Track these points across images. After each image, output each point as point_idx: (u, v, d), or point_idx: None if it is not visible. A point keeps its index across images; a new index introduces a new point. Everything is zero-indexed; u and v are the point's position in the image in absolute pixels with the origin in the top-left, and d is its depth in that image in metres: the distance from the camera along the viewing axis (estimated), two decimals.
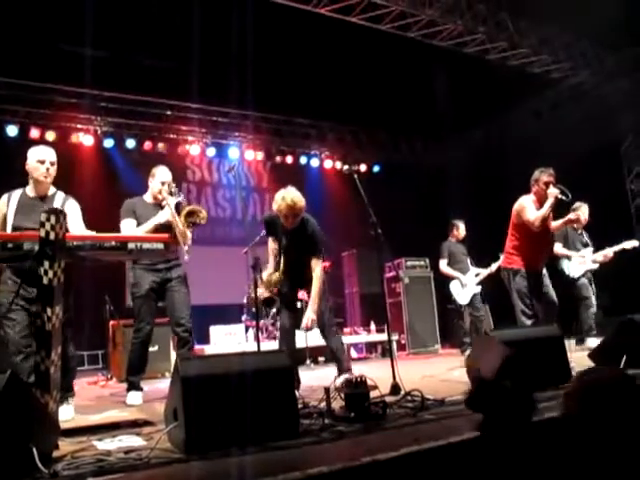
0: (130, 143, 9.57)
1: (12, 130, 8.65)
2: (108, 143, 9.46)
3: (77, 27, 8.06)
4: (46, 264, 2.83)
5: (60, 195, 3.89)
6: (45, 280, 2.83)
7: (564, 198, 4.81)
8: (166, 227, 4.38)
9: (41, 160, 3.76)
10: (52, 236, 2.83)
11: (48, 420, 2.57)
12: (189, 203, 4.74)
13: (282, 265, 4.52)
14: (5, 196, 3.77)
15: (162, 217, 4.45)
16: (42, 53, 8.24)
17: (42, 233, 2.83)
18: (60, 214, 2.88)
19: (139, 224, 4.46)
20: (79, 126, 9.24)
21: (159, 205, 4.58)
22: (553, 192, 4.81)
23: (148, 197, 4.74)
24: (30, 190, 3.81)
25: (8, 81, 8.42)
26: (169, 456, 2.33)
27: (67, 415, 3.65)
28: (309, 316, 4.30)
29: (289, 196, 4.31)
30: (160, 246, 3.17)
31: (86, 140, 9.26)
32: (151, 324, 4.57)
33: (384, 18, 7.68)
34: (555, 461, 2.50)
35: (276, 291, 4.70)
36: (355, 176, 4.30)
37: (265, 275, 4.59)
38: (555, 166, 5.09)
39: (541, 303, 4.91)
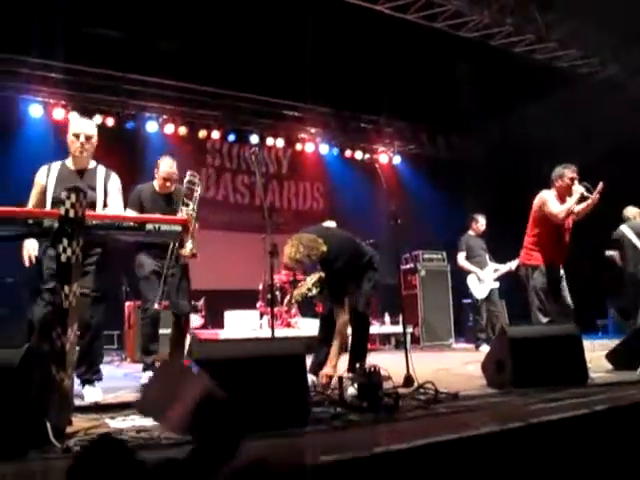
0: (152, 126, 9.59)
1: (36, 110, 8.70)
2: (129, 125, 9.49)
3: (95, 10, 8.13)
4: (65, 242, 2.84)
5: (102, 170, 3.82)
6: (63, 258, 2.84)
7: (589, 195, 4.73)
8: (166, 212, 4.42)
9: (76, 134, 3.69)
10: (72, 214, 2.84)
11: (62, 396, 2.59)
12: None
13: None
14: (44, 168, 3.70)
15: None
16: (66, 35, 8.29)
17: (62, 211, 2.84)
18: (80, 192, 2.89)
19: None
20: (101, 107, 9.28)
21: (166, 195, 4.67)
22: (579, 189, 4.72)
23: (157, 185, 4.80)
24: (70, 163, 3.75)
25: (33, 61, 8.48)
26: (180, 437, 2.33)
27: (95, 396, 3.60)
28: (326, 372, 3.87)
29: (286, 254, 3.97)
30: (178, 228, 3.16)
31: (108, 122, 9.30)
32: (156, 304, 4.56)
33: (410, 7, 7.60)
34: (564, 461, 2.47)
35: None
36: (377, 165, 4.26)
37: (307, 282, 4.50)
38: (578, 164, 5.00)
39: (557, 303, 4.84)
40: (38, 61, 8.46)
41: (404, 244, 9.15)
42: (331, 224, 5.03)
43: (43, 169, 3.70)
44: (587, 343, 3.94)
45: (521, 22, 7.98)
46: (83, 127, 3.76)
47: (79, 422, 2.69)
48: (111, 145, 9.25)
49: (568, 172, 4.85)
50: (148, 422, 2.68)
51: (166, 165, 4.76)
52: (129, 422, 2.69)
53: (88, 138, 3.73)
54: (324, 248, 3.89)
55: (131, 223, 3.07)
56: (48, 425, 2.18)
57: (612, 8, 6.63)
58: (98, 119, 9.14)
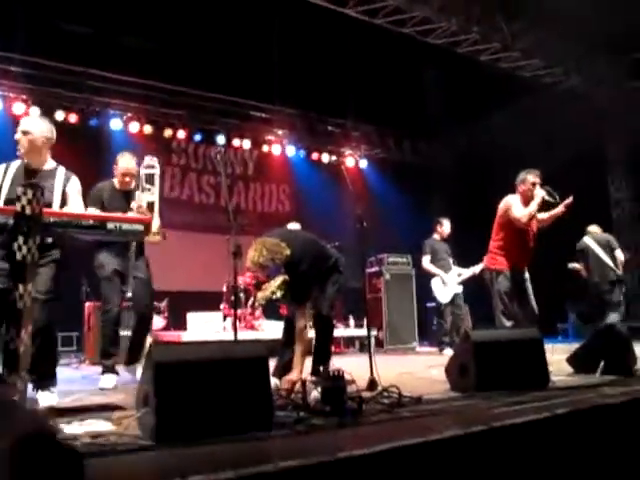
0: (116, 124, 9.40)
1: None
2: (93, 122, 9.28)
3: (68, 4, 7.95)
4: (20, 239, 2.73)
5: (62, 171, 3.66)
6: (18, 256, 2.73)
7: (551, 199, 4.81)
8: (124, 207, 4.40)
9: (23, 131, 3.54)
10: (28, 211, 2.73)
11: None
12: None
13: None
14: (1, 167, 3.54)
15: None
16: (30, 28, 8.10)
17: (17, 207, 2.73)
18: (38, 188, 2.79)
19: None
20: (64, 103, 9.05)
21: (126, 192, 4.56)
22: (540, 193, 4.79)
23: (117, 183, 4.70)
24: (27, 163, 3.59)
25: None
26: (137, 443, 2.27)
27: (49, 400, 3.45)
28: (290, 378, 3.75)
29: (249, 257, 3.87)
30: (140, 227, 3.09)
31: (71, 118, 9.08)
32: (118, 306, 4.52)
33: (379, 12, 7.64)
34: (526, 465, 2.49)
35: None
36: (343, 167, 4.24)
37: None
38: (542, 171, 5.08)
39: (521, 306, 4.90)
40: None
41: (369, 247, 9.19)
42: (295, 226, 5.00)
43: (0, 168, 3.55)
44: (547, 347, 3.99)
45: (487, 31, 8.10)
46: (22, 123, 3.59)
47: None
48: (74, 142, 9.17)
49: (530, 177, 4.93)
50: (105, 427, 2.60)
51: (125, 162, 4.67)
52: (85, 427, 2.59)
53: (25, 133, 3.54)
54: (287, 252, 3.85)
55: (91, 222, 2.98)
56: None
57: (576, 19, 6.78)
58: (60, 115, 8.94)
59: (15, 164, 3.58)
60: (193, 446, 2.21)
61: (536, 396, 3.21)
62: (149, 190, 4.35)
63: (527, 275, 4.96)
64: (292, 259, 3.89)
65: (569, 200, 4.82)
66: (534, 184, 4.87)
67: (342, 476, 2.02)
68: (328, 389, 2.91)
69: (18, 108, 8.55)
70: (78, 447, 2.18)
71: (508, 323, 4.71)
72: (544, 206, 4.85)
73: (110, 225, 3.01)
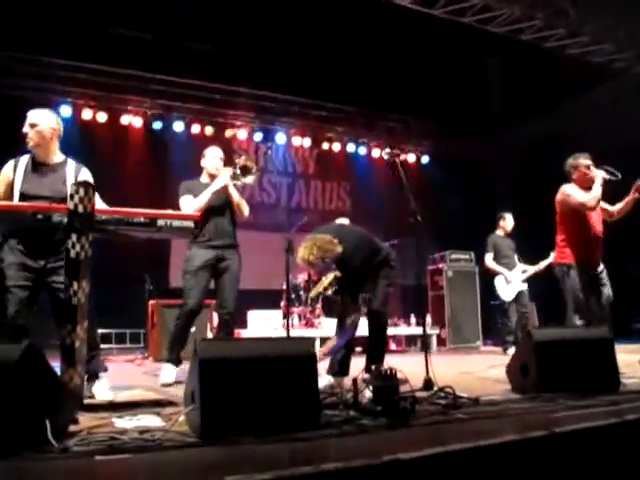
0: (178, 126, 9.62)
1: (66, 111, 8.77)
2: (157, 125, 9.53)
3: (129, 11, 8.18)
4: (74, 237, 2.79)
5: (72, 164, 3.65)
6: (72, 253, 2.79)
7: (613, 178, 4.49)
8: (222, 203, 4.58)
9: (31, 124, 3.50)
10: (80, 209, 2.79)
11: (66, 394, 2.54)
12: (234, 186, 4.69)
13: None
14: (11, 162, 3.53)
15: (218, 183, 4.54)
16: (96, 36, 8.38)
17: (71, 205, 2.79)
18: (89, 186, 2.84)
19: None
20: (129, 108, 9.34)
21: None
22: (599, 173, 4.49)
23: (204, 178, 4.77)
24: (36, 156, 3.57)
25: (64, 63, 8.57)
26: (183, 439, 2.26)
27: (106, 396, 3.50)
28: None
29: (299, 255, 3.85)
30: (190, 224, 3.11)
31: (135, 122, 9.36)
32: (196, 300, 4.49)
33: (437, 2, 7.43)
34: (590, 474, 2.31)
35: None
36: (397, 160, 4.12)
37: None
38: (614, 164, 4.76)
39: (594, 304, 4.59)
40: (67, 62, 8.55)
41: (429, 244, 9.00)
42: (345, 221, 4.92)
43: (10, 163, 3.53)
44: (621, 347, 3.73)
45: (552, 16, 7.73)
46: (29, 116, 3.56)
47: (86, 421, 2.64)
48: (139, 145, 9.48)
49: (582, 160, 4.64)
50: (154, 423, 2.61)
51: (213, 150, 4.81)
52: (135, 422, 2.62)
53: (32, 126, 3.52)
54: (339, 249, 3.77)
55: (142, 219, 3.01)
56: (47, 424, 2.12)
57: None
58: (126, 119, 9.26)
59: (24, 159, 3.55)
60: (237, 445, 2.18)
61: (604, 400, 3.00)
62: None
63: (603, 268, 4.65)
64: (344, 256, 3.81)
65: (638, 184, 4.49)
66: (588, 166, 4.58)
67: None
68: (379, 388, 2.81)
69: (86, 114, 8.92)
70: (125, 441, 2.20)
71: (580, 322, 4.44)
72: (608, 189, 4.53)
73: (160, 222, 3.03)
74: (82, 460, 1.96)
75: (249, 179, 4.62)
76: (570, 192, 4.60)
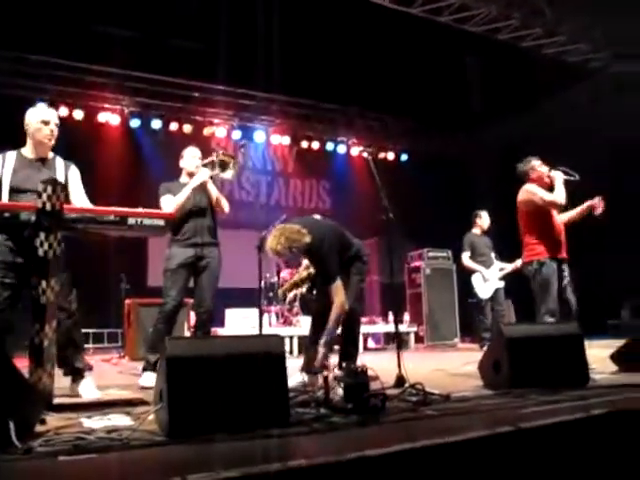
0: (156, 124, 9.54)
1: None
2: (134, 123, 9.45)
3: (107, 8, 8.10)
4: (42, 235, 2.77)
5: (60, 161, 3.66)
6: (40, 252, 2.77)
7: (571, 178, 4.59)
8: (201, 201, 4.55)
9: (45, 121, 3.53)
10: (49, 207, 2.76)
11: (33, 394, 2.51)
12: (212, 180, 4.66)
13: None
14: None
15: (197, 180, 4.50)
16: (73, 33, 8.29)
17: (39, 204, 2.76)
18: (58, 184, 2.81)
19: None
20: (106, 105, 9.25)
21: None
22: (558, 175, 4.59)
23: (183, 178, 4.74)
24: (28, 152, 3.56)
25: (40, 59, 8.46)
26: (150, 438, 2.24)
27: (92, 394, 3.48)
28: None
29: (267, 244, 3.93)
30: (161, 222, 3.09)
31: (113, 119, 9.28)
32: (177, 300, 4.45)
33: (415, 1, 7.46)
34: (557, 468, 2.34)
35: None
36: (370, 158, 4.14)
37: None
38: (589, 163, 4.86)
39: (560, 301, 4.67)
40: (43, 59, 8.45)
41: (405, 241, 9.03)
42: (318, 217, 4.93)
43: None
44: (591, 343, 3.79)
45: (529, 15, 7.80)
46: (52, 115, 3.60)
47: (54, 421, 2.60)
48: (116, 142, 9.40)
49: (534, 161, 4.78)
50: (123, 422, 2.59)
51: (192, 150, 4.78)
52: (104, 422, 2.59)
53: (57, 125, 3.59)
54: (307, 239, 3.78)
55: (112, 217, 2.98)
56: (11, 425, 2.09)
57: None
58: (103, 117, 9.17)
59: (11, 154, 3.53)
60: (206, 442, 2.17)
61: (573, 395, 3.04)
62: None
63: (567, 270, 4.74)
64: (312, 246, 3.82)
65: (595, 201, 4.62)
66: (544, 168, 4.72)
67: (354, 477, 1.94)
68: (350, 386, 2.82)
69: (62, 111, 8.79)
70: (91, 440, 2.18)
71: (551, 319, 4.49)
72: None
73: (131, 220, 3.01)
74: (45, 461, 1.94)
75: (228, 174, 4.60)
76: (535, 191, 4.69)
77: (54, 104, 8.72)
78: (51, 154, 3.66)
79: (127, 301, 7.07)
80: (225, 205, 4.71)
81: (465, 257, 7.25)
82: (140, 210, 3.10)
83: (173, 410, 2.26)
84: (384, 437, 2.34)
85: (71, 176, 3.58)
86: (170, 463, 1.95)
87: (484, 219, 7.33)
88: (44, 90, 8.72)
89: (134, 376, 4.69)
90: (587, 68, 8.90)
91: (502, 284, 7.14)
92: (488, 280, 7.08)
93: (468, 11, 7.65)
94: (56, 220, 2.80)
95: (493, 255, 7.37)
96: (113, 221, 2.98)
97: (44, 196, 2.75)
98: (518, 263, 7.04)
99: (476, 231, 7.39)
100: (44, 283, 2.79)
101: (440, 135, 11.37)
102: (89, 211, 3.00)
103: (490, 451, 2.29)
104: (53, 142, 3.58)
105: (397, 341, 3.96)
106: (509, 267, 7.13)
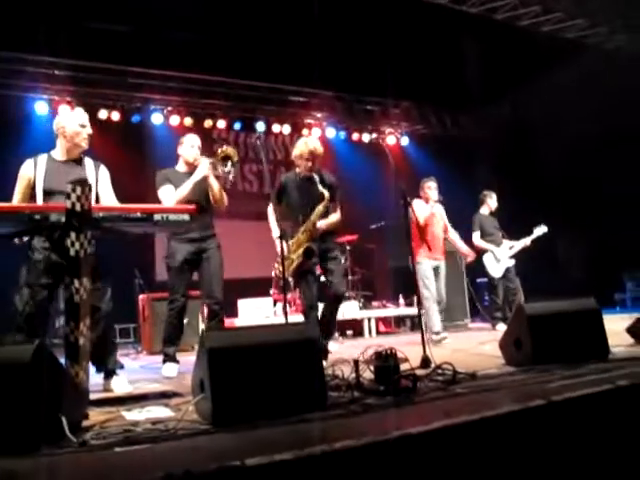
0: (157, 118, 9.55)
1: (42, 107, 8.66)
2: (135, 119, 9.45)
3: (100, 4, 8.07)
4: (72, 235, 2.82)
5: (90, 161, 3.77)
6: (72, 252, 2.82)
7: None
8: (201, 195, 4.52)
9: (83, 124, 3.66)
10: (78, 207, 2.81)
11: (77, 390, 2.58)
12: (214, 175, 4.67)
13: (302, 223, 4.58)
14: (30, 161, 3.61)
15: (199, 173, 4.48)
16: (68, 31, 8.27)
17: (68, 204, 2.81)
18: (86, 185, 2.86)
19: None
20: (107, 102, 9.24)
21: (192, 173, 4.57)
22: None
23: (181, 167, 4.75)
24: (59, 154, 3.68)
25: (38, 59, 8.44)
26: (196, 427, 2.31)
27: (124, 389, 3.63)
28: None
29: (311, 141, 4.82)
30: (186, 217, 3.14)
31: (113, 116, 9.27)
32: (185, 296, 4.59)
33: None
34: (587, 440, 2.42)
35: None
36: (384, 145, 4.20)
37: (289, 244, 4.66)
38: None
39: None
40: (43, 58, 8.43)
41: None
42: None
43: (29, 162, 3.60)
44: (606, 317, 3.85)
45: None
46: (87, 118, 3.73)
47: (95, 415, 2.68)
48: (118, 139, 9.38)
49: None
50: (164, 414, 2.67)
51: (191, 137, 4.83)
52: (145, 414, 2.67)
53: (90, 129, 3.72)
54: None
55: (139, 214, 3.03)
56: (63, 419, 2.16)
57: None
58: (104, 114, 9.16)
59: (42, 157, 3.63)
60: (250, 429, 2.24)
61: (596, 368, 3.12)
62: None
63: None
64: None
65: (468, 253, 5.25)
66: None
67: (399, 455, 2.01)
68: (381, 368, 2.90)
69: (63, 110, 8.78)
70: (140, 432, 2.25)
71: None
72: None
73: (157, 216, 3.06)
74: (102, 452, 2.01)
75: (229, 168, 4.55)
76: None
77: (54, 103, 8.77)
78: (80, 155, 3.75)
79: (141, 296, 7.14)
80: (224, 200, 4.70)
81: (476, 237, 7.32)
82: (166, 206, 3.15)
83: (216, 399, 2.34)
84: (421, 415, 2.42)
85: (101, 176, 3.67)
86: (222, 450, 2.02)
87: (494, 199, 7.39)
88: (43, 89, 8.72)
89: (156, 368, 4.79)
90: (585, 44, 8.90)
91: (513, 262, 7.22)
92: (499, 259, 7.16)
93: None
94: (85, 220, 2.85)
95: (501, 234, 7.44)
96: (140, 218, 3.03)
97: (73, 196, 2.80)
98: (527, 241, 7.15)
99: (484, 211, 7.45)
100: (77, 282, 2.84)
101: (440, 117, 11.38)
102: (116, 209, 3.06)
103: (524, 424, 2.37)
104: (86, 144, 3.71)
105: (420, 323, 4.04)
106: (518, 245, 7.21)
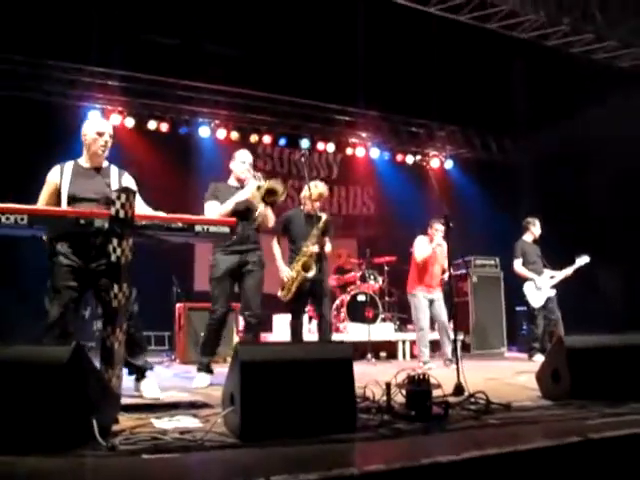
0: (204, 131, 9.72)
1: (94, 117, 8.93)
2: (183, 131, 9.64)
3: (153, 17, 8.34)
4: (115, 241, 2.88)
5: (115, 169, 3.82)
6: (113, 257, 2.88)
7: None
8: (246, 208, 4.61)
9: (100, 132, 3.69)
10: (122, 214, 2.88)
11: (110, 394, 2.62)
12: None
13: (302, 254, 5.21)
14: (57, 167, 3.67)
15: (242, 195, 4.57)
16: (122, 43, 8.56)
17: (112, 211, 2.88)
18: (131, 193, 2.92)
19: None
20: (156, 113, 9.47)
21: (242, 188, 4.67)
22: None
23: (232, 181, 4.86)
24: (84, 161, 3.74)
25: (91, 69, 8.74)
26: (223, 440, 2.31)
27: (154, 394, 3.68)
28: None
29: (320, 186, 5.45)
30: (226, 229, 3.17)
31: (162, 127, 9.47)
32: (225, 307, 4.66)
33: (463, 8, 7.44)
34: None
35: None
36: (428, 168, 4.18)
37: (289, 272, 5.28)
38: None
39: None
40: (97, 69, 8.72)
41: (455, 249, 8.94)
42: None
43: (56, 169, 3.67)
44: None
45: (579, 21, 7.67)
46: (107, 127, 3.77)
47: (125, 421, 2.71)
48: (165, 149, 9.59)
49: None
50: (192, 424, 2.67)
51: (243, 153, 4.88)
52: (174, 423, 2.69)
53: (111, 137, 3.74)
54: None
55: (180, 224, 3.08)
56: (94, 423, 2.19)
57: None
58: (153, 124, 9.38)
59: (69, 164, 3.70)
60: (277, 446, 2.23)
61: (636, 408, 2.99)
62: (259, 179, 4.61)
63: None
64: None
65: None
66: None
67: None
68: (413, 393, 2.85)
69: (115, 119, 9.04)
70: (168, 441, 2.27)
71: None
72: None
73: (198, 227, 3.10)
74: (130, 458, 2.03)
75: (263, 210, 4.61)
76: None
77: (106, 112, 9.03)
78: (105, 163, 3.82)
79: (178, 305, 7.22)
80: (270, 220, 4.77)
81: (517, 264, 7.18)
82: (205, 218, 3.19)
83: (246, 413, 2.33)
84: (451, 444, 2.36)
85: (125, 183, 3.71)
86: (248, 465, 2.01)
87: (537, 227, 7.25)
88: (96, 99, 8.98)
89: (188, 378, 4.83)
90: (638, 73, 8.70)
91: (554, 292, 7.04)
92: (540, 288, 6.99)
93: (517, 17, 7.57)
94: (128, 227, 2.92)
95: (542, 263, 7.27)
96: (181, 228, 3.08)
97: (117, 204, 2.87)
98: (569, 271, 6.97)
99: (528, 238, 7.31)
100: (116, 287, 2.90)
101: (485, 142, 11.25)
102: (158, 219, 3.11)
103: (558, 461, 2.29)
104: (106, 153, 3.74)
105: (456, 350, 3.97)
106: (561, 275, 7.04)
